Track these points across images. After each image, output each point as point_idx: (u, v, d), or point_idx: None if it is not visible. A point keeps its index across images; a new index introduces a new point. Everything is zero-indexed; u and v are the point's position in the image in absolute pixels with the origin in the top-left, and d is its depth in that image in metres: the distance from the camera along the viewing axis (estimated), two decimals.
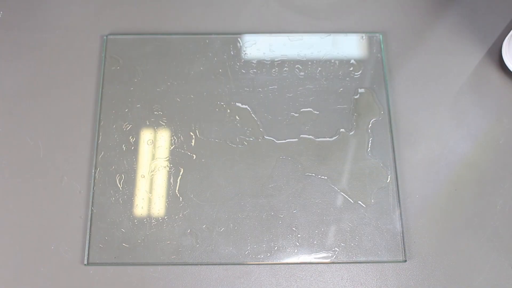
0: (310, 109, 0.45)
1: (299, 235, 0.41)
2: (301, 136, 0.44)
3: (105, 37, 0.48)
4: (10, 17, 0.49)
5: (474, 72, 0.47)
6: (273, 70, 0.47)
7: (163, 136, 0.44)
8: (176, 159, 0.43)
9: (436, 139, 0.44)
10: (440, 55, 0.48)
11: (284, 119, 0.45)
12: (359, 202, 0.42)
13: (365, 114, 0.44)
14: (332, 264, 0.40)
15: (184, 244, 0.40)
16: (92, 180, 0.42)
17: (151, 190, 0.42)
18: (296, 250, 0.40)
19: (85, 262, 0.40)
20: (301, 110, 0.45)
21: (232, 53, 0.47)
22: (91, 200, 0.42)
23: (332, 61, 0.47)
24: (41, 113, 0.45)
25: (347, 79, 0.46)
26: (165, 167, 0.43)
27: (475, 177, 0.43)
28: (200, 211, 0.41)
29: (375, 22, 0.49)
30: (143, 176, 0.43)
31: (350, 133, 0.42)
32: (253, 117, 0.45)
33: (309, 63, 0.47)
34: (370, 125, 0.43)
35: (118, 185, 0.42)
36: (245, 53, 0.47)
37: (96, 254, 0.40)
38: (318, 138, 0.44)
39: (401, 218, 0.41)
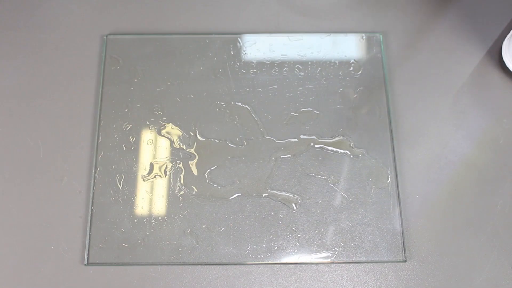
0: (310, 109, 0.45)
1: (299, 235, 0.41)
2: (301, 136, 0.44)
3: (105, 37, 0.48)
4: (10, 17, 0.49)
5: (474, 72, 0.47)
6: (273, 70, 0.47)
7: (163, 136, 0.44)
8: (176, 159, 0.43)
9: (436, 139, 0.44)
10: (440, 55, 0.48)
11: (284, 119, 0.45)
12: (359, 202, 0.42)
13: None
14: (332, 264, 0.40)
15: (184, 244, 0.40)
16: (92, 180, 0.42)
17: (151, 190, 0.42)
18: (296, 250, 0.40)
19: (85, 262, 0.40)
20: (301, 110, 0.45)
21: (232, 53, 0.47)
22: (91, 200, 0.42)
23: (332, 61, 0.47)
24: (41, 113, 0.45)
25: (347, 79, 0.46)
26: (165, 167, 0.43)
27: (475, 177, 0.43)
28: (200, 211, 0.41)
29: (375, 22, 0.49)
30: (143, 176, 0.43)
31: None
32: (253, 117, 0.45)
33: (309, 63, 0.47)
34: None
35: (118, 185, 0.42)
36: (245, 53, 0.47)
37: (96, 254, 0.40)
38: (318, 138, 0.44)
39: (401, 218, 0.41)
